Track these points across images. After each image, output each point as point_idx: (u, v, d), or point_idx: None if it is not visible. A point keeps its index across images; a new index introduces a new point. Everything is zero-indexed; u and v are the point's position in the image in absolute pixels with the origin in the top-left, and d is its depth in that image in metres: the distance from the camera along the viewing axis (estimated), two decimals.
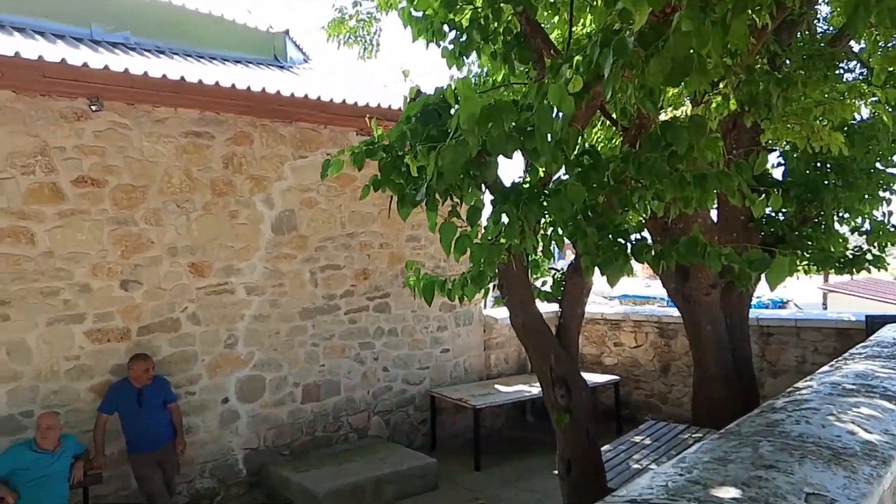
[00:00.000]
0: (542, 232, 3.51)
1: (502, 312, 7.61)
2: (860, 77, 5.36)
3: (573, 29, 3.90)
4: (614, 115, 4.12)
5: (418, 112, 2.82)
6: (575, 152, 3.47)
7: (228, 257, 5.82)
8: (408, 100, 3.37)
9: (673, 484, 1.84)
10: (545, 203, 3.20)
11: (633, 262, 3.18)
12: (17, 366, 4.82)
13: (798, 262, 5.67)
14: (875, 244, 5.67)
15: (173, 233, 5.51)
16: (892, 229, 5.58)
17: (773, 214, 5.84)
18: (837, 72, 5.54)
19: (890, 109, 4.26)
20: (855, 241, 5.95)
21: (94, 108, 5.08)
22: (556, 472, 4.13)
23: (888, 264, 5.80)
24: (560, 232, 3.46)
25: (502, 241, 3.58)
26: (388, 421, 7.02)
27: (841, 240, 5.68)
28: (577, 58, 2.72)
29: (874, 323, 6.12)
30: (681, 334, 7.47)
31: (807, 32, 5.98)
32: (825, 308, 15.03)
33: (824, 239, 5.60)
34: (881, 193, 5.47)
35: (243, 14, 7.20)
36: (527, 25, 3.55)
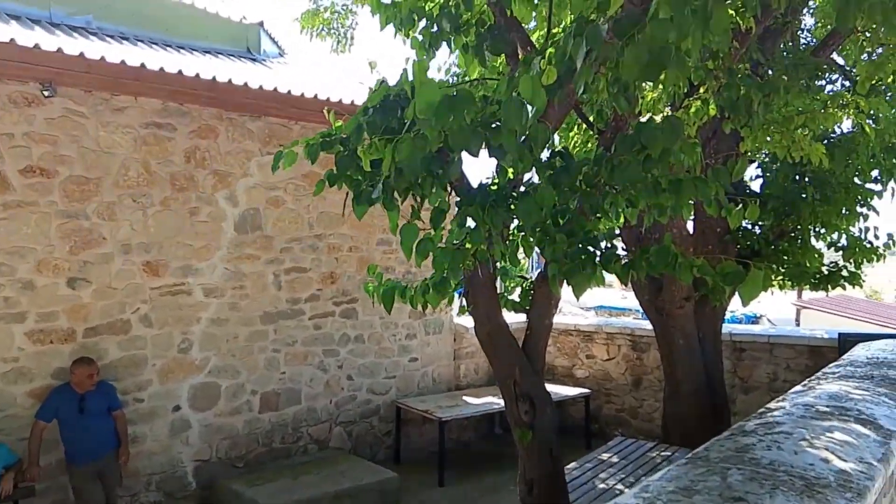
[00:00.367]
0: (510, 237, 3.32)
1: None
2: (843, 89, 5.28)
3: (554, 31, 3.74)
4: (591, 118, 3.97)
5: (378, 103, 2.62)
6: (546, 153, 3.30)
7: (186, 256, 5.54)
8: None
9: None
10: (513, 206, 3.02)
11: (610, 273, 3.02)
12: None
13: (773, 277, 5.56)
14: (851, 261, 5.58)
15: (128, 229, 5.22)
16: (868, 246, 5.50)
17: (750, 227, 5.74)
18: (820, 82, 5.46)
19: (872, 123, 4.16)
20: (831, 256, 5.87)
21: (46, 93, 4.80)
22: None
23: (864, 282, 5.72)
24: (530, 238, 3.29)
25: (468, 245, 3.39)
26: (350, 432, 6.76)
27: (817, 255, 5.59)
28: (551, 49, 2.55)
29: (847, 341, 6.04)
30: (653, 347, 7.33)
31: (790, 43, 5.90)
32: (798, 324, 15.09)
33: (800, 254, 5.51)
34: (859, 209, 5.39)
35: (216, 3, 6.95)
36: (502, 18, 3.37)
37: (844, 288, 5.72)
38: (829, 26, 5.47)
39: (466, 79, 4.44)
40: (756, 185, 6.03)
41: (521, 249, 3.30)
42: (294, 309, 6.28)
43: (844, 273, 5.64)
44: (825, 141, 5.07)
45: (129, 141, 5.19)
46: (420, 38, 3.29)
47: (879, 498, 2.27)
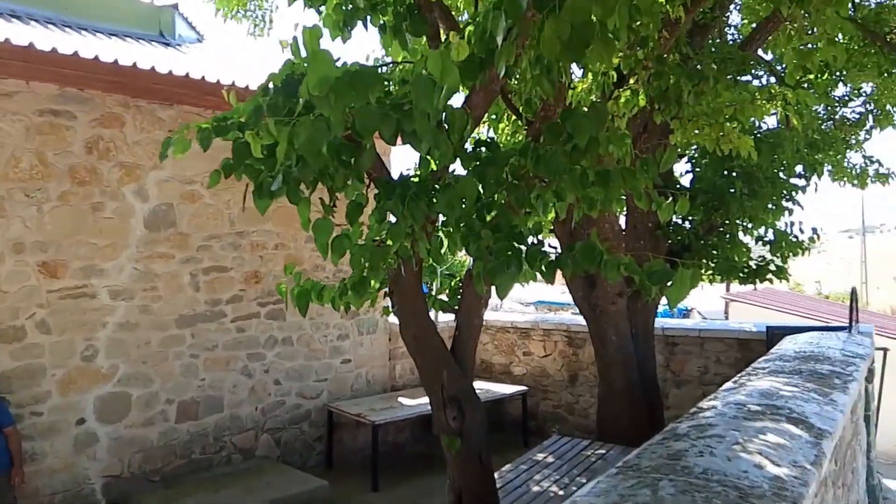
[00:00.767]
0: (434, 233, 3.10)
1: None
2: (770, 85, 5.31)
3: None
4: (520, 108, 3.80)
5: (281, 82, 2.34)
6: (471, 142, 3.10)
7: (89, 256, 5.08)
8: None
9: None
10: (434, 199, 2.80)
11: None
12: None
13: (703, 272, 5.56)
14: (778, 255, 5.64)
15: (20, 226, 4.73)
16: (794, 240, 5.57)
17: (680, 222, 5.73)
18: (747, 78, 5.49)
19: (799, 116, 4.15)
20: (758, 251, 5.93)
21: None
22: None
23: (790, 276, 5.80)
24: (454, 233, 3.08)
25: (389, 242, 3.15)
26: (278, 439, 6.42)
27: (745, 249, 5.63)
28: (470, 28, 2.34)
29: (775, 334, 6.11)
30: (589, 343, 7.28)
31: (718, 39, 5.92)
32: (727, 317, 15.55)
33: (729, 248, 5.53)
34: (784, 203, 5.44)
35: None
36: None
37: (772, 282, 5.78)
38: (755, 23, 5.51)
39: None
40: (686, 181, 6.04)
41: (445, 246, 3.10)
42: (214, 311, 5.89)
43: (772, 267, 5.70)
44: (754, 134, 5.10)
45: (21, 129, 4.69)
46: (333, 15, 3.02)
47: (814, 502, 2.17)
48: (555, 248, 2.64)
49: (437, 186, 2.87)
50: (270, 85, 2.32)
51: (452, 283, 3.83)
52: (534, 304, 22.53)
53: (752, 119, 5.72)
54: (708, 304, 18.91)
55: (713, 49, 5.23)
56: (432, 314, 3.88)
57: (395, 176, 3.24)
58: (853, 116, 6.87)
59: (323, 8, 2.99)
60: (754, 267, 5.74)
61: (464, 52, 1.84)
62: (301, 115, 2.02)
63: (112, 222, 5.19)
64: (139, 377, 5.39)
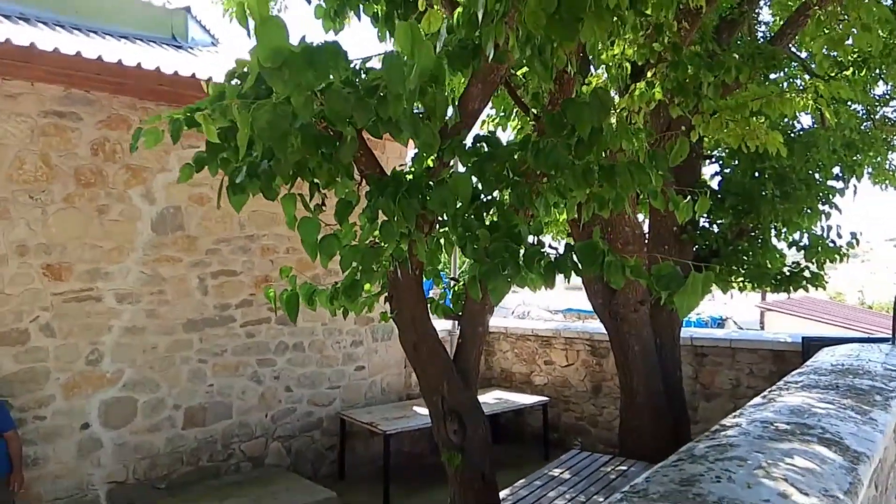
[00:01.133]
0: (431, 234, 2.90)
1: (438, 323, 6.91)
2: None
3: None
4: (528, 103, 3.57)
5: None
6: (467, 135, 2.89)
7: (95, 259, 5.00)
8: None
9: None
10: (428, 197, 2.59)
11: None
12: None
13: (732, 279, 5.24)
14: (814, 261, 5.29)
15: (24, 228, 4.68)
16: (832, 245, 5.21)
17: (708, 226, 5.42)
18: (777, 74, 5.17)
19: (833, 113, 3.83)
20: (793, 256, 5.57)
21: None
22: None
23: (826, 283, 5.43)
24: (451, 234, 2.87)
25: (385, 244, 2.95)
26: (289, 447, 6.26)
27: (778, 255, 5.29)
28: (459, 10, 2.14)
29: (811, 345, 5.75)
30: (613, 353, 7.00)
31: (748, 36, 5.60)
32: (762, 327, 14.96)
33: (761, 254, 5.20)
34: (821, 207, 5.09)
35: None
36: None
37: (807, 290, 5.43)
38: (784, 20, 5.19)
39: None
40: (715, 184, 5.73)
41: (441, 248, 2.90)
42: (223, 315, 5.78)
43: (807, 274, 5.35)
44: (789, 134, 4.78)
45: (25, 130, 4.64)
46: (324, 4, 2.85)
47: None
48: (555, 249, 2.41)
49: (431, 183, 2.67)
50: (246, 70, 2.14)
51: (456, 288, 3.61)
52: (562, 311, 22.12)
53: (785, 118, 5.39)
54: (744, 314, 18.30)
55: (740, 45, 4.94)
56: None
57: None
58: (895, 116, 6.47)
59: None
60: (788, 273, 5.39)
61: (436, 22, 1.66)
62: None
63: (118, 225, 5.11)
64: (145, 382, 5.29)
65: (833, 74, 4.38)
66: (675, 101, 3.28)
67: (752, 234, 5.45)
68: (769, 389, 3.66)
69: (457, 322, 3.55)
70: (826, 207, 5.22)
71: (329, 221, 2.84)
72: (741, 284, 5.56)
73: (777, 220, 5.22)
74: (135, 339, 5.22)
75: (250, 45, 1.73)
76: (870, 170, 6.35)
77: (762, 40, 5.93)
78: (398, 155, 6.95)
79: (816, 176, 5.27)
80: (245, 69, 2.20)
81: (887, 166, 6.60)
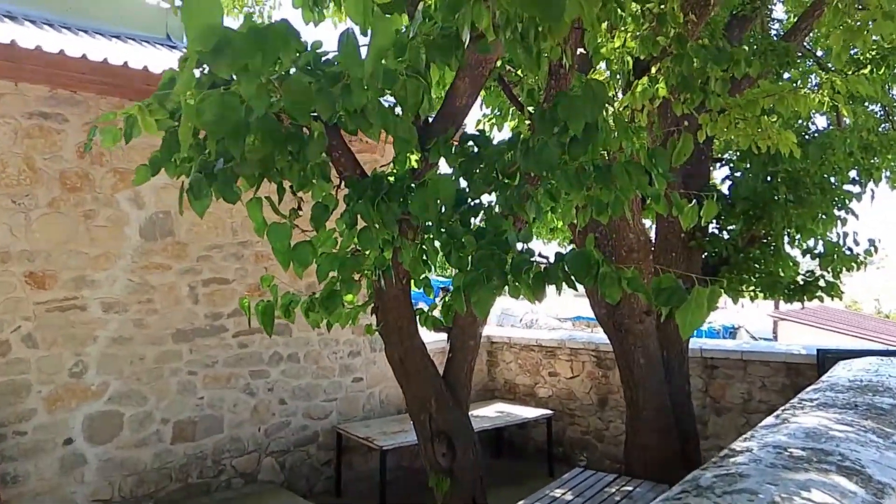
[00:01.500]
0: (415, 240, 2.69)
1: (429, 336, 6.69)
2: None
3: None
4: (522, 100, 3.37)
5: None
6: (456, 135, 2.69)
7: (80, 266, 4.84)
8: None
9: None
10: (409, 201, 2.40)
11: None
12: None
13: (743, 287, 4.99)
14: (829, 269, 5.03)
15: (6, 234, 4.52)
16: (848, 253, 4.95)
17: (718, 233, 5.18)
18: (789, 74, 4.94)
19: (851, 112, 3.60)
20: (807, 265, 5.32)
21: None
22: None
23: (842, 292, 5.17)
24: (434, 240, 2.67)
25: (368, 251, 2.75)
26: (283, 463, 6.05)
27: (791, 263, 5.04)
28: None
29: (826, 358, 5.48)
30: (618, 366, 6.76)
31: (760, 34, 5.37)
32: (776, 337, 14.59)
33: (773, 262, 4.95)
34: (837, 212, 4.84)
35: None
36: None
37: (822, 299, 5.17)
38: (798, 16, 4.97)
39: None
40: (726, 189, 5.49)
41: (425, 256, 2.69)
42: (214, 325, 5.59)
43: (821, 283, 5.09)
44: (804, 136, 4.54)
45: (8, 132, 4.49)
46: None
47: None
48: (546, 258, 2.19)
49: (412, 186, 2.47)
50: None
51: (446, 298, 3.40)
52: (571, 319, 21.80)
53: (799, 119, 5.14)
54: (757, 323, 17.91)
55: (752, 40, 4.72)
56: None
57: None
58: None
59: None
60: (802, 282, 5.13)
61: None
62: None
63: (105, 231, 4.95)
64: (132, 395, 5.11)
65: (851, 72, 4.14)
66: (679, 98, 3.07)
67: (764, 240, 5.21)
68: (782, 408, 3.42)
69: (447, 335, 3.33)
70: (842, 213, 4.97)
71: (307, 227, 2.65)
72: (752, 294, 5.31)
73: (790, 227, 4.99)
74: (121, 349, 5.04)
75: None
76: (888, 173, 6.09)
77: (775, 38, 5.72)
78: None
79: (832, 180, 5.02)
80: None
81: None
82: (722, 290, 4.41)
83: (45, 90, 4.62)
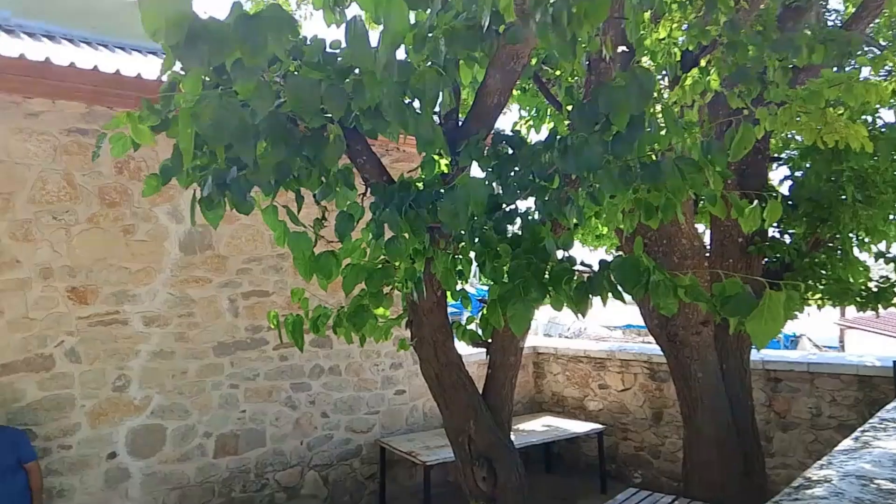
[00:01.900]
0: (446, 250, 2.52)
1: (470, 348, 6.46)
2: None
3: None
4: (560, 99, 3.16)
5: None
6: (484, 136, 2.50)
7: (121, 281, 4.85)
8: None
9: None
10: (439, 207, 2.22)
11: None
12: None
13: (810, 295, 4.62)
14: None
15: (47, 250, 4.56)
16: None
17: (779, 236, 4.82)
18: (850, 67, 4.59)
19: None
20: (880, 270, 4.90)
21: None
22: None
23: None
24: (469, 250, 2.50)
25: (398, 263, 2.60)
26: (326, 477, 5.95)
27: (862, 268, 4.64)
28: None
29: None
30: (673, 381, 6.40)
31: (816, 24, 5.01)
32: (842, 346, 13.75)
33: (841, 267, 4.57)
34: None
35: None
36: None
37: None
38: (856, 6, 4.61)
39: None
40: (785, 189, 5.13)
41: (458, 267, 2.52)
42: (255, 338, 5.54)
43: None
44: (870, 130, 4.17)
45: (48, 150, 4.55)
46: None
47: None
48: (589, 266, 1.99)
49: (442, 191, 2.30)
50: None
51: (484, 310, 3.21)
52: (622, 328, 21.19)
53: (864, 114, 4.76)
54: (821, 331, 16.97)
55: (808, 31, 4.40)
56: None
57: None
58: None
59: None
60: (874, 289, 4.73)
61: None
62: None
63: (145, 245, 4.96)
64: (174, 409, 5.09)
65: None
66: (734, 91, 2.80)
67: (830, 244, 4.83)
68: (861, 429, 3.08)
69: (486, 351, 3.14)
70: None
71: (334, 239, 2.52)
72: (820, 302, 4.92)
73: (859, 229, 4.61)
74: (163, 363, 5.03)
75: None
76: None
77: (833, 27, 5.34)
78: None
79: None
80: None
81: None
82: (799, 295, 4.09)
83: (81, 107, 4.65)
